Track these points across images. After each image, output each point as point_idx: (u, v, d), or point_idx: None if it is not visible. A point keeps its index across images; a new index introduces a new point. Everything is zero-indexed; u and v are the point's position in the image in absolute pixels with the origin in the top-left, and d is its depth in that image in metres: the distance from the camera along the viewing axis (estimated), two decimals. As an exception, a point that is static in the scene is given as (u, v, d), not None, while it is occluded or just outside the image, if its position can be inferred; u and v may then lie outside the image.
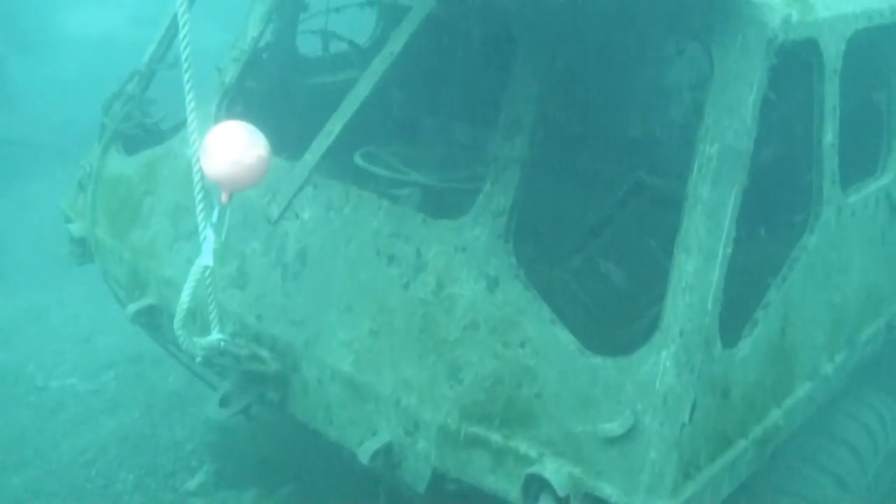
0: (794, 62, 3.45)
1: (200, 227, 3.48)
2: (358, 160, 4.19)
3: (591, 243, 4.73)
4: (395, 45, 3.84)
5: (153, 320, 4.34)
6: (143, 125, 4.75)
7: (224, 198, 3.41)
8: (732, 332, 3.29)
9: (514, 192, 3.40)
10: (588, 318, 4.54)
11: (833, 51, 3.56)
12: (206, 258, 3.47)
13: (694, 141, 3.18)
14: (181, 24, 3.25)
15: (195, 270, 3.47)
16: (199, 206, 3.45)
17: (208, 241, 3.48)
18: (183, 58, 3.32)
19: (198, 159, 3.41)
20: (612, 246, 4.79)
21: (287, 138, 5.34)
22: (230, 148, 3.31)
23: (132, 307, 4.28)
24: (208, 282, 3.51)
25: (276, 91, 5.22)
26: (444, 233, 3.50)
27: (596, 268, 4.76)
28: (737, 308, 3.31)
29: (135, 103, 4.73)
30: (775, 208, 4.28)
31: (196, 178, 3.44)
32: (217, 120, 4.32)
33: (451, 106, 5.75)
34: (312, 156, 3.91)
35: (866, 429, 4.46)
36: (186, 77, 3.37)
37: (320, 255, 3.76)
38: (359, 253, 3.67)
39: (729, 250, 3.10)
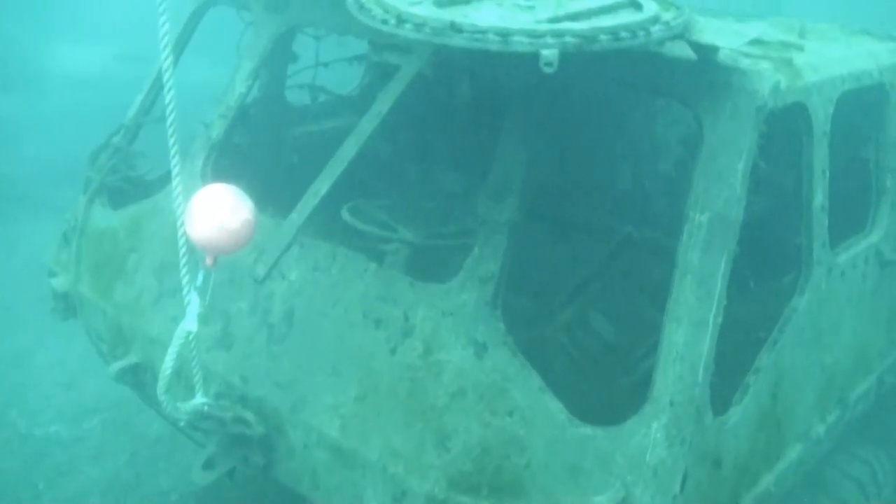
0: (783, 124, 3.45)
1: (184, 291, 3.44)
2: (346, 216, 4.15)
3: (580, 296, 4.72)
4: (383, 104, 3.82)
5: (137, 378, 4.28)
6: (129, 178, 4.71)
7: (209, 261, 3.38)
8: (723, 391, 3.25)
9: (502, 257, 3.37)
10: (578, 375, 4.52)
11: (821, 114, 3.57)
12: (190, 323, 3.43)
13: (682, 193, 3.17)
14: (165, 81, 3.22)
15: (178, 335, 3.42)
16: (184, 270, 3.42)
17: (192, 305, 3.44)
18: (168, 121, 3.29)
19: (182, 223, 3.38)
20: (601, 299, 4.78)
21: (274, 189, 5.34)
22: (215, 213, 3.27)
23: (116, 366, 4.22)
24: (192, 346, 3.46)
25: (263, 141, 5.20)
26: (432, 297, 3.46)
27: (586, 320, 4.74)
28: (726, 365, 3.28)
29: (121, 156, 4.69)
30: (764, 263, 4.27)
31: (180, 241, 3.40)
32: (204, 177, 4.30)
33: (441, 154, 5.74)
34: (299, 215, 3.87)
35: (858, 484, 4.44)
36: (171, 138, 3.33)
37: (307, 317, 3.72)
38: (346, 315, 3.62)
39: (720, 319, 3.08)
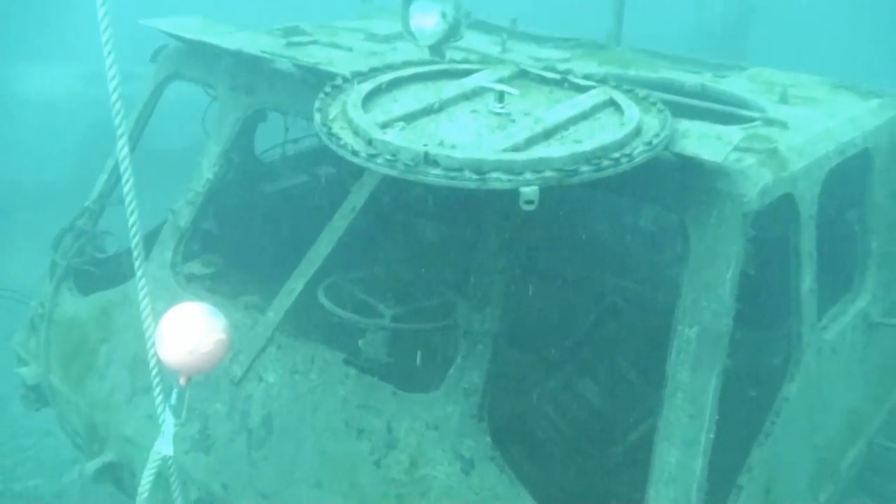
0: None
1: (158, 411, 3.33)
2: (322, 299, 4.02)
3: (566, 364, 4.64)
4: (357, 199, 3.69)
5: (115, 476, 4.17)
6: (96, 260, 4.56)
7: (182, 381, 3.26)
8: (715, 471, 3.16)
9: (486, 368, 3.27)
10: (566, 446, 4.45)
11: (808, 198, 3.47)
12: (166, 447, 3.32)
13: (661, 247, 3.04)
14: (122, 171, 3.07)
15: (153, 459, 3.31)
16: (157, 390, 3.30)
17: (167, 426, 3.33)
18: (128, 210, 3.12)
19: (150, 335, 3.26)
20: (588, 364, 4.70)
21: (249, 248, 5.21)
22: (186, 336, 3.14)
23: (92, 465, 4.11)
24: (171, 467, 3.36)
25: (236, 202, 5.05)
26: (415, 408, 3.36)
27: (572, 387, 4.66)
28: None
29: (86, 238, 4.53)
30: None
31: (151, 361, 3.28)
32: (174, 266, 4.16)
33: (417, 203, 5.61)
34: (275, 314, 3.75)
35: None
36: (132, 228, 3.16)
37: (287, 423, 3.61)
38: (327, 423, 3.52)
39: (711, 435, 2.99)
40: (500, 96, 3.08)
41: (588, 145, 2.74)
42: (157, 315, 3.24)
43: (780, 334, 3.89)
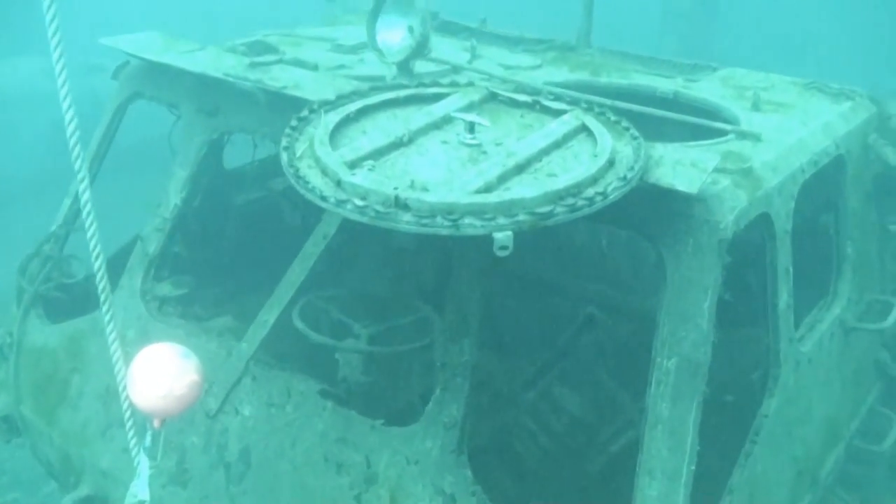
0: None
1: (133, 454, 3.26)
2: (297, 322, 3.95)
3: (546, 375, 4.62)
4: (329, 226, 3.62)
5: (92, 509, 4.11)
6: (64, 286, 4.46)
7: (157, 424, 3.20)
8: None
9: (465, 401, 3.23)
10: (547, 459, 4.44)
11: (784, 214, 3.45)
12: (142, 491, 3.25)
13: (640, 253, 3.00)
14: (81, 193, 2.95)
15: (130, 502, 3.26)
16: (130, 434, 3.24)
17: (142, 469, 3.26)
18: (89, 234, 3.00)
19: (122, 378, 3.19)
20: (566, 373, 4.69)
21: (220, 262, 5.13)
22: (158, 380, 3.07)
23: (69, 500, 4.04)
24: (148, 510, 3.30)
25: (204, 216, 4.96)
26: (394, 442, 3.32)
27: (551, 397, 4.64)
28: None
29: (53, 264, 4.44)
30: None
31: (124, 405, 3.21)
32: (143, 294, 4.08)
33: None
34: (249, 345, 3.69)
35: None
36: (94, 252, 3.04)
37: (264, 457, 3.56)
38: (305, 457, 3.47)
39: (693, 467, 2.98)
40: (471, 126, 3.02)
41: (561, 182, 2.69)
42: (128, 344, 3.16)
43: (756, 334, 3.88)
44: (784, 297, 3.52)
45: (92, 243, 3.01)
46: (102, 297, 3.11)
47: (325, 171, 2.79)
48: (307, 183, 2.74)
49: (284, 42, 4.66)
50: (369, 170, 2.78)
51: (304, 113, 3.19)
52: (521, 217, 2.55)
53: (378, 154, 2.90)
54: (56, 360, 4.26)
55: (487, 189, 2.67)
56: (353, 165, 2.79)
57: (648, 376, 3.02)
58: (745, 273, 3.68)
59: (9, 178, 10.75)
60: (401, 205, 2.58)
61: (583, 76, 4.53)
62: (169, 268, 4.20)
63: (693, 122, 3.81)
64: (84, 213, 2.90)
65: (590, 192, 2.68)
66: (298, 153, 2.94)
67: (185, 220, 4.22)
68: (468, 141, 3.00)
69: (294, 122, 3.12)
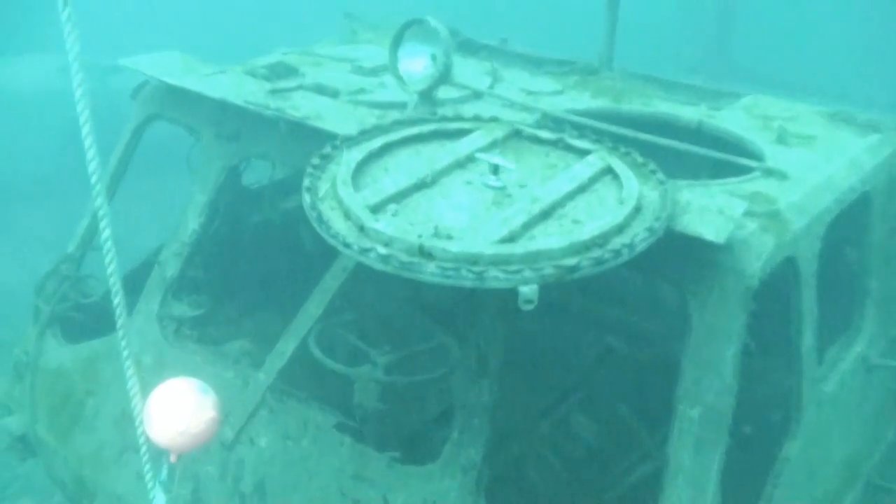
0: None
1: (149, 486, 3.25)
2: (314, 349, 3.93)
3: (563, 404, 4.58)
4: (349, 260, 3.58)
5: (105, 533, 4.10)
6: (81, 305, 4.45)
7: (173, 458, 3.18)
8: None
9: (484, 443, 3.20)
10: (563, 489, 4.40)
11: (810, 256, 3.40)
12: (159, 523, 3.25)
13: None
14: (100, 217, 2.92)
15: (146, 538, 3.25)
16: (146, 467, 3.22)
17: (158, 501, 3.25)
18: (107, 259, 2.97)
19: (140, 419, 3.17)
20: (584, 403, 4.65)
21: (236, 280, 5.11)
22: (176, 416, 3.05)
23: None
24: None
25: (221, 236, 4.94)
26: (412, 480, 3.29)
27: (568, 426, 4.61)
28: None
29: (69, 283, 4.42)
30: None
31: (141, 437, 3.19)
32: (160, 318, 4.07)
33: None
34: (266, 375, 3.67)
35: None
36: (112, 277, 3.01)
37: (281, 490, 3.54)
38: (321, 492, 3.45)
39: None
40: (495, 168, 2.99)
41: (587, 231, 2.66)
42: (144, 370, 3.12)
43: (778, 364, 3.83)
44: (808, 340, 3.47)
45: (110, 269, 2.97)
46: (119, 323, 3.09)
47: (347, 215, 2.76)
48: (330, 228, 2.71)
49: (304, 62, 4.62)
50: (393, 215, 2.75)
51: (327, 150, 3.16)
52: (547, 270, 2.51)
53: (401, 196, 2.87)
54: (72, 381, 4.25)
55: (512, 238, 2.64)
56: (376, 210, 2.76)
57: (671, 424, 2.99)
58: (764, 304, 3.64)
59: (25, 175, 10.77)
60: (425, 254, 2.55)
61: (605, 103, 4.48)
62: (186, 289, 4.18)
63: (718, 159, 3.75)
64: (102, 237, 2.85)
65: (616, 243, 2.64)
66: (321, 193, 2.91)
67: (202, 240, 4.19)
68: (492, 183, 2.97)
69: (316, 161, 3.08)
